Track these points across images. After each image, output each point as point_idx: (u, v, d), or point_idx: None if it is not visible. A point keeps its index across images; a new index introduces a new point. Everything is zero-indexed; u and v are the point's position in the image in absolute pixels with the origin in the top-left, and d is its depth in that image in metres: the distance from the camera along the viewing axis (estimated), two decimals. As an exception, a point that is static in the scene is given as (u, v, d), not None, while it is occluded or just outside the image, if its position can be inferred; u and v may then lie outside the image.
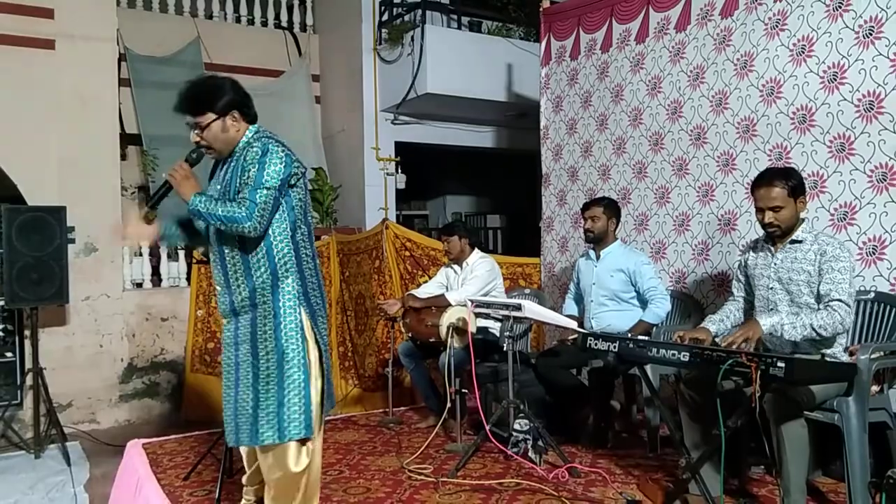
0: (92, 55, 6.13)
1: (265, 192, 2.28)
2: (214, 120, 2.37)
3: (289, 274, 2.37)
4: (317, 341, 2.40)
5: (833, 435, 2.64)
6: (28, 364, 5.42)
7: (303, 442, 2.40)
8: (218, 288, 2.48)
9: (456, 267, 4.33)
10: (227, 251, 2.40)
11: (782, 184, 2.71)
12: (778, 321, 2.54)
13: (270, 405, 2.33)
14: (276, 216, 2.36)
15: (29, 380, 5.27)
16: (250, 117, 2.46)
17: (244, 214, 2.25)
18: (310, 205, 2.52)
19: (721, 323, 2.95)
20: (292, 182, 2.38)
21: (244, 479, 2.75)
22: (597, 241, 3.84)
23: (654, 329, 3.73)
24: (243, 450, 2.63)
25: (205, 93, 2.40)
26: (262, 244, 2.36)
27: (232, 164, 2.44)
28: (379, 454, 3.68)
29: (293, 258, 2.39)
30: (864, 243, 3.26)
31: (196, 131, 2.40)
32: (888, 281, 3.16)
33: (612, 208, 3.86)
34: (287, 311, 2.36)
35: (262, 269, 2.36)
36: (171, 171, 2.38)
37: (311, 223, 2.51)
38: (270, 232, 2.36)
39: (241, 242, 2.37)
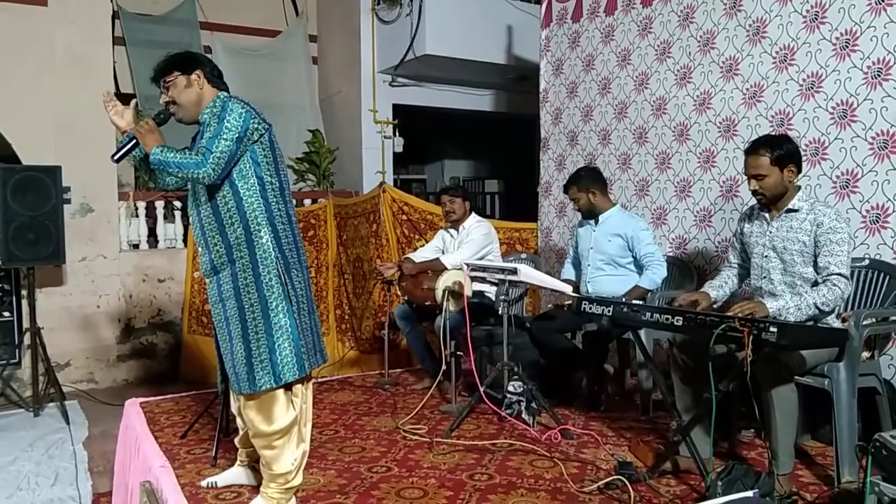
0: (85, 12, 6.03)
1: (222, 141, 2.35)
2: (179, 76, 2.50)
3: (261, 228, 2.44)
4: (289, 294, 2.47)
5: (822, 399, 2.67)
6: (26, 324, 5.45)
7: (288, 393, 2.50)
8: (199, 249, 2.58)
9: (452, 231, 4.32)
10: (201, 210, 2.49)
11: (767, 152, 2.69)
12: (783, 305, 2.54)
13: (263, 353, 2.42)
14: (242, 172, 2.43)
15: (27, 339, 5.30)
16: (217, 84, 2.56)
17: (199, 160, 2.34)
18: (283, 163, 2.57)
19: (720, 289, 2.96)
20: (254, 137, 2.43)
21: (237, 441, 2.79)
22: (590, 214, 3.82)
23: (649, 294, 3.74)
24: (236, 410, 2.67)
25: (173, 58, 2.55)
26: (233, 200, 2.43)
27: (201, 133, 2.52)
28: (374, 415, 3.72)
29: (264, 213, 2.45)
30: (868, 211, 3.24)
31: (163, 92, 2.53)
32: (892, 249, 3.15)
33: (587, 181, 3.77)
34: (265, 262, 2.44)
35: (235, 225, 2.44)
36: (138, 126, 2.48)
37: (286, 181, 2.57)
38: (239, 188, 2.43)
39: (212, 200, 2.45)
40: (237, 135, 2.37)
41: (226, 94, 2.56)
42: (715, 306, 2.90)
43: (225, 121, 2.37)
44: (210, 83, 2.54)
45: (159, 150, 2.39)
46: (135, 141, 2.47)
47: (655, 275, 3.62)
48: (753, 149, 2.75)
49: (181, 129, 2.68)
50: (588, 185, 3.77)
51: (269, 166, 2.47)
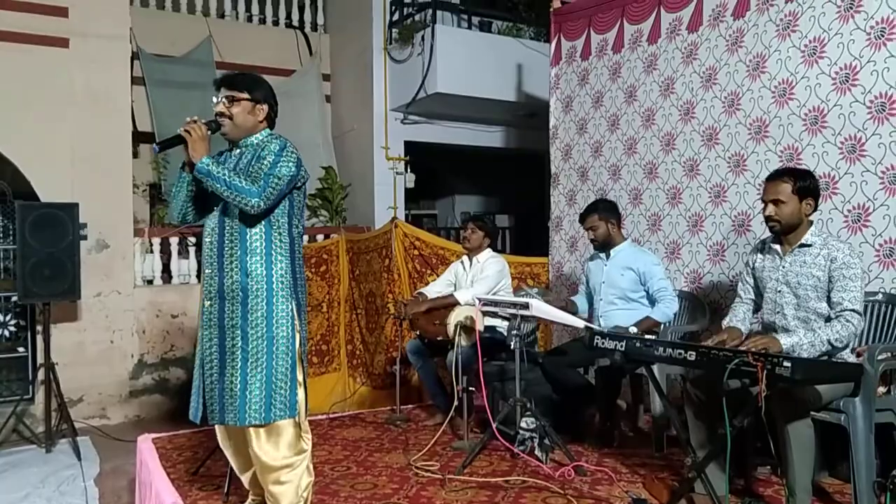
0: (105, 54, 6.19)
1: (277, 179, 2.43)
2: (247, 100, 2.54)
3: (281, 266, 2.50)
4: (300, 334, 2.52)
5: (839, 435, 2.63)
6: (40, 359, 5.48)
7: (298, 427, 2.51)
8: (207, 270, 2.56)
9: (466, 262, 4.34)
10: (226, 232, 2.51)
11: (791, 180, 2.72)
12: (797, 342, 2.54)
13: (256, 388, 2.43)
14: (279, 210, 2.51)
15: (41, 375, 5.33)
16: (271, 121, 2.65)
17: (255, 190, 2.39)
18: (304, 209, 2.71)
19: (743, 323, 2.95)
20: (298, 184, 2.55)
21: (246, 483, 2.76)
22: (604, 246, 3.84)
23: (662, 328, 3.73)
24: (233, 460, 2.71)
25: (251, 78, 2.61)
26: (263, 233, 2.48)
27: (236, 155, 2.59)
28: (386, 451, 3.70)
29: (287, 252, 2.52)
30: (881, 245, 3.24)
31: (224, 102, 2.52)
32: (905, 283, 3.14)
33: (606, 211, 3.81)
34: (279, 299, 2.48)
35: (258, 257, 2.47)
36: (190, 126, 2.44)
37: (304, 225, 2.70)
38: (272, 223, 2.50)
39: (243, 227, 2.48)
40: (290, 178, 2.47)
41: (271, 132, 2.63)
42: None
43: (282, 162, 2.45)
44: (267, 120, 2.62)
45: (209, 161, 2.42)
46: (181, 138, 2.46)
47: (668, 308, 3.62)
48: (777, 175, 2.77)
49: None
50: (608, 214, 3.81)
51: (299, 211, 2.57)
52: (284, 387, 2.46)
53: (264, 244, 2.47)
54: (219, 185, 2.39)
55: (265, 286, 2.46)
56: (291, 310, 2.49)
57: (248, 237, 2.47)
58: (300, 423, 2.53)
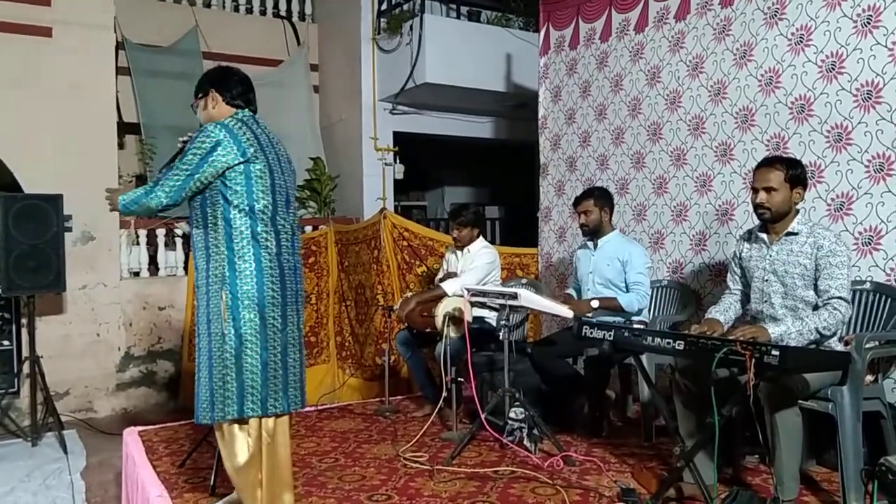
0: (89, 43, 6.10)
1: (180, 169, 2.39)
2: (200, 98, 2.60)
3: (218, 257, 2.41)
4: (249, 331, 2.41)
5: (827, 424, 2.64)
6: (25, 352, 5.42)
7: (241, 427, 2.44)
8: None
9: (458, 252, 4.32)
10: (193, 232, 2.53)
11: (783, 168, 2.71)
12: (785, 330, 2.54)
13: (205, 385, 2.43)
14: (210, 199, 2.41)
15: (26, 368, 5.28)
16: (230, 100, 2.55)
17: (144, 191, 2.43)
18: (282, 193, 2.50)
19: (726, 314, 2.95)
20: (227, 160, 2.37)
21: None
22: (594, 233, 3.84)
23: (651, 318, 3.74)
24: None
25: (199, 80, 2.66)
26: (201, 225, 2.45)
27: None
28: (375, 442, 3.68)
29: (225, 241, 2.40)
30: (860, 233, 3.25)
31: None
32: (884, 271, 3.16)
33: (602, 199, 3.84)
34: (213, 294, 2.42)
35: (201, 251, 2.46)
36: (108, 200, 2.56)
37: (285, 212, 2.50)
38: (206, 214, 2.43)
39: (192, 222, 2.50)
40: (198, 159, 2.36)
41: (241, 115, 2.51)
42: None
43: (192, 149, 2.38)
44: (226, 102, 2.54)
45: (121, 199, 2.48)
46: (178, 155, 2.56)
47: (636, 302, 3.65)
48: (770, 162, 2.76)
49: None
50: (603, 202, 3.82)
51: (241, 194, 2.40)
52: (221, 387, 2.39)
53: (202, 237, 2.45)
54: (132, 208, 2.47)
55: (205, 281, 2.45)
56: (225, 305, 2.37)
57: (195, 232, 2.49)
58: (248, 425, 2.45)
